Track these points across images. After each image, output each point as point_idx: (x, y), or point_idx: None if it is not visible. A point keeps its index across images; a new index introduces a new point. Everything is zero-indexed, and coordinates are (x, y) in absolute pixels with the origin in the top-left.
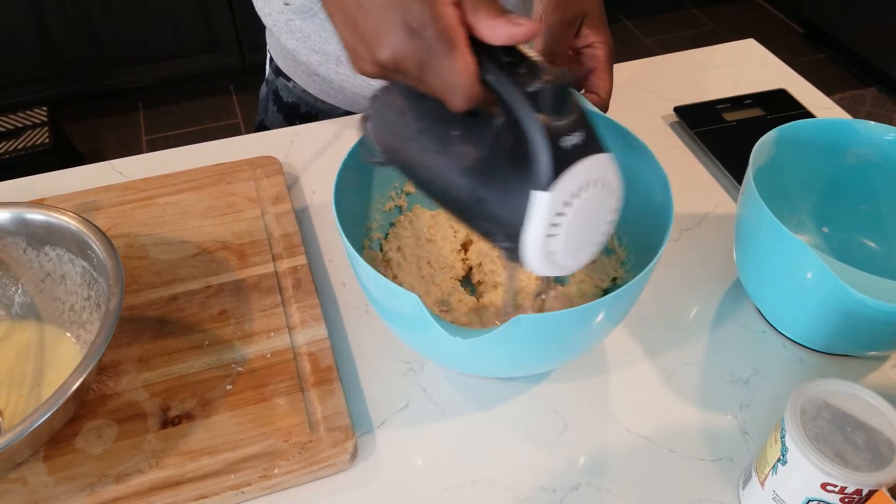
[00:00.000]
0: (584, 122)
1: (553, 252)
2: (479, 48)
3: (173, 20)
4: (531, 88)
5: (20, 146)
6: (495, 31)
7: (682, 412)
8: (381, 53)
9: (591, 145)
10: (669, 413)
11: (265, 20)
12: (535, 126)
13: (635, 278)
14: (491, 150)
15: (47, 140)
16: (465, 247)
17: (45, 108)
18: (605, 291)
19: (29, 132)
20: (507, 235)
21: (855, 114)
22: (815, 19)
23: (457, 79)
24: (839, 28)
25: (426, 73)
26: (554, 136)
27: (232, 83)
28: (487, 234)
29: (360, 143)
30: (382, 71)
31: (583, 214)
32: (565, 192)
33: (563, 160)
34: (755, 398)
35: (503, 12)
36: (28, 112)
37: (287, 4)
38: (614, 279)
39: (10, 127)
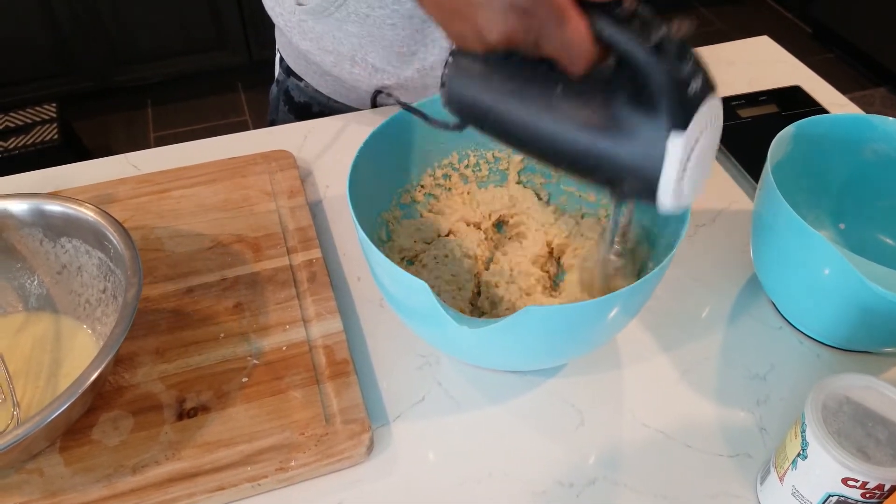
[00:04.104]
0: (701, 66)
1: (682, 189)
2: (587, 6)
3: (182, 17)
4: (653, 40)
5: (29, 142)
6: None
7: (698, 407)
8: (492, 37)
9: (708, 87)
10: (686, 408)
11: (276, 20)
12: (665, 77)
13: (649, 273)
14: (609, 104)
15: (56, 136)
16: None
17: (53, 105)
18: None
19: (38, 128)
20: (638, 181)
21: None
22: (823, 19)
23: (574, 47)
24: (848, 28)
25: (542, 46)
26: (681, 84)
27: (240, 81)
28: (612, 183)
29: (426, 116)
30: (493, 49)
31: (703, 151)
32: (694, 133)
33: (690, 105)
34: (772, 394)
35: None
36: (37, 108)
37: (300, 4)
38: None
39: (20, 123)
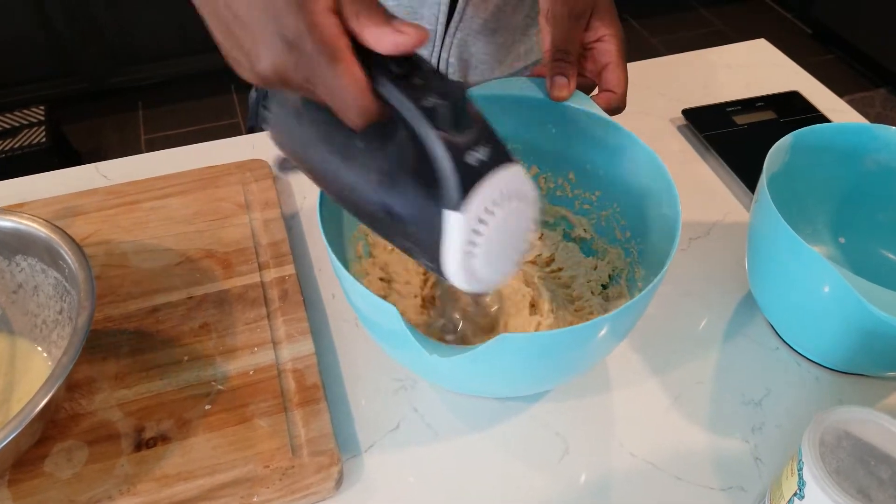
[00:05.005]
0: (488, 135)
1: (474, 269)
2: (370, 58)
3: (177, 18)
4: (427, 103)
5: (16, 146)
6: (380, 41)
7: (689, 436)
8: (259, 66)
9: (498, 158)
10: (676, 436)
11: None
12: (435, 144)
13: (638, 296)
14: (397, 166)
15: (44, 139)
16: None
17: (42, 107)
18: (605, 287)
19: (25, 131)
20: (426, 255)
21: (864, 116)
22: (823, 19)
23: (346, 95)
24: (848, 28)
25: (314, 88)
26: (457, 153)
27: (232, 82)
28: (406, 251)
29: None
30: (267, 82)
31: (501, 230)
32: (478, 209)
33: (470, 177)
34: (768, 421)
35: (387, 19)
36: (25, 111)
37: None
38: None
39: (6, 126)
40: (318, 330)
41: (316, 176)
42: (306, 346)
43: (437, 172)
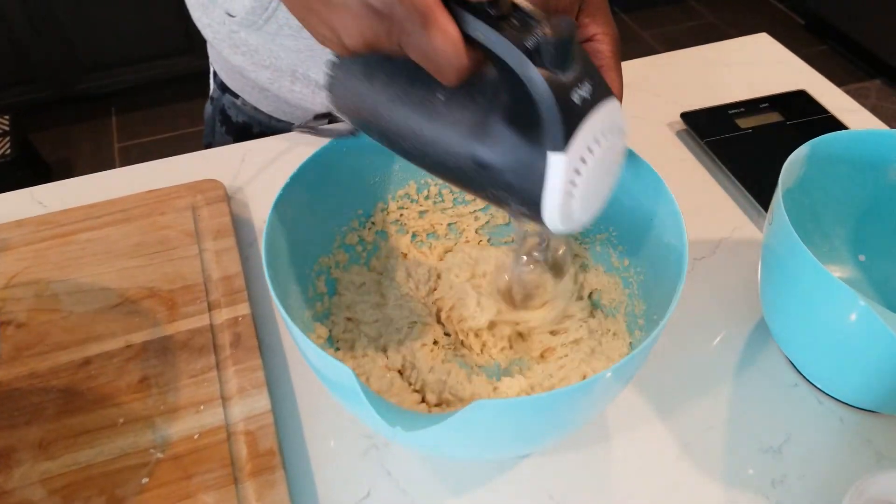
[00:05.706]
0: (589, 69)
1: (572, 210)
2: (460, 4)
3: (147, 20)
4: (530, 43)
5: None
6: None
7: (702, 493)
8: (350, 41)
9: (599, 94)
10: (688, 495)
11: (204, 32)
12: (540, 85)
13: (632, 352)
14: (490, 113)
15: (9, 151)
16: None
17: (7, 118)
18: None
19: None
20: (521, 200)
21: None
22: (816, 10)
23: (441, 56)
24: (842, 19)
25: (407, 52)
26: (562, 93)
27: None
28: (497, 200)
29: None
30: (357, 53)
31: (598, 167)
32: (581, 148)
33: (574, 116)
34: (790, 472)
35: None
36: None
37: (231, 16)
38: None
39: None
40: (277, 380)
41: (390, 138)
42: (261, 403)
43: (542, 114)
